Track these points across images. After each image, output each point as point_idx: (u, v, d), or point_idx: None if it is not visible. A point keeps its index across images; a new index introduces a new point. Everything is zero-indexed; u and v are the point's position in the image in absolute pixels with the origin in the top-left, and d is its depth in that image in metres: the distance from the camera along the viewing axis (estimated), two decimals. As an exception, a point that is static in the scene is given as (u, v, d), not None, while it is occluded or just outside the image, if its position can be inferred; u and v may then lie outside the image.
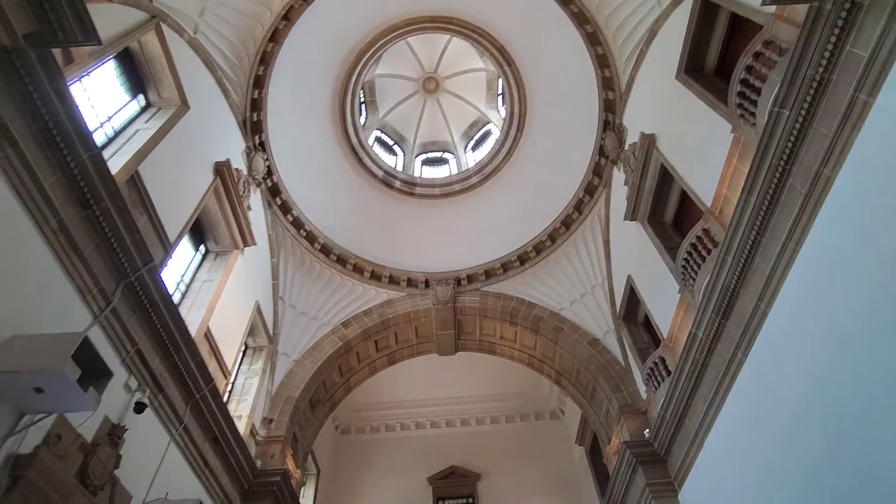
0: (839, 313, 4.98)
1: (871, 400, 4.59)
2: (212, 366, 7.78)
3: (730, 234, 6.35)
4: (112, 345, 5.66)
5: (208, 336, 7.92)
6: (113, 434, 5.53)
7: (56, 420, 4.76)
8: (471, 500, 14.25)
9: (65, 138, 4.97)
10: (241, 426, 8.84)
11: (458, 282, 12.34)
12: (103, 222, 5.48)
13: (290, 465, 9.80)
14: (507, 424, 15.88)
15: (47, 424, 4.64)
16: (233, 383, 9.56)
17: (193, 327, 7.33)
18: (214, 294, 8.17)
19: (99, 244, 5.50)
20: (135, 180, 6.37)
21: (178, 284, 8.07)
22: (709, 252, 7.17)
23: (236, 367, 9.45)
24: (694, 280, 7.53)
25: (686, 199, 8.40)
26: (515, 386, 15.93)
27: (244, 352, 10.14)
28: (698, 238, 7.31)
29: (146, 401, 5.87)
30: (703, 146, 7.28)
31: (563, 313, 11.69)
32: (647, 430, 9.19)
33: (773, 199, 5.67)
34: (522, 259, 12.17)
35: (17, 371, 4.04)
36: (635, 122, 9.35)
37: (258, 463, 8.93)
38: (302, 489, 12.66)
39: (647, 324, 10.44)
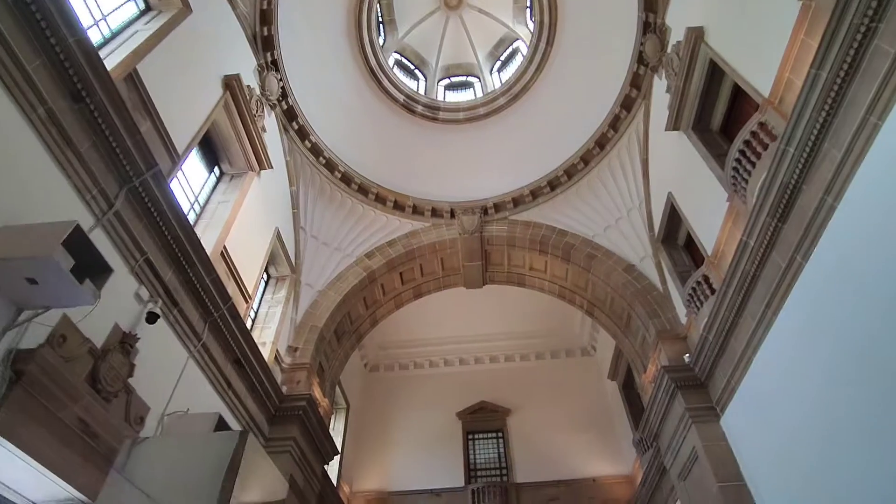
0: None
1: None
2: (230, 287, 7.53)
3: (793, 120, 5.57)
4: (118, 251, 5.37)
5: (225, 256, 7.63)
6: (125, 342, 5.29)
7: (60, 321, 4.51)
8: (500, 435, 14.16)
9: (46, 17, 4.51)
10: (266, 352, 8.69)
11: (485, 211, 11.78)
12: (99, 119, 5.09)
13: (317, 392, 9.70)
14: (536, 361, 15.59)
15: (50, 323, 4.39)
16: (256, 311, 9.40)
17: (209, 246, 7.03)
18: (230, 214, 7.84)
19: (97, 143, 5.12)
20: (134, 80, 5.93)
21: (193, 205, 7.75)
22: (765, 148, 6.39)
23: (259, 294, 9.25)
24: (746, 183, 6.78)
25: (737, 98, 7.55)
26: (546, 322, 15.54)
27: (267, 281, 9.94)
28: (753, 134, 6.52)
29: (158, 311, 5.61)
30: (760, 26, 6.37)
31: (597, 240, 11.06)
32: (688, 355, 8.67)
33: (851, 67, 4.85)
34: (553, 185, 11.48)
35: (5, 258, 3.75)
36: (680, 19, 8.37)
37: (284, 389, 8.81)
38: (332, 420, 12.75)
39: (689, 245, 9.77)
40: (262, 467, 5.19)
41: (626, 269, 10.50)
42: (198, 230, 7.10)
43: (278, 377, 9.00)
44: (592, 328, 14.92)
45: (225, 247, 7.56)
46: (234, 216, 7.87)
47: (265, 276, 9.94)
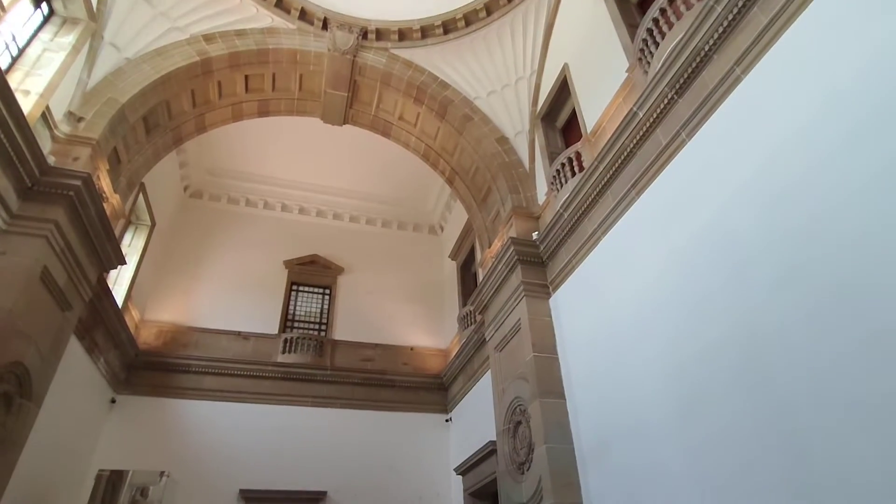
0: (837, 73, 3.86)
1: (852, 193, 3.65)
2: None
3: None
4: None
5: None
6: None
7: None
8: (328, 292, 13.36)
9: None
10: (27, 103, 6.38)
11: (365, 34, 9.98)
12: None
13: (105, 182, 7.67)
14: (381, 229, 14.77)
15: None
16: (20, 49, 6.82)
17: None
18: None
19: None
20: None
21: None
22: (689, 7, 5.75)
23: (20, 22, 6.65)
24: (656, 48, 6.16)
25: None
26: (401, 191, 14.64)
27: (48, 17, 7.24)
28: (677, -7, 5.80)
29: None
30: None
31: (478, 103, 10.09)
32: (536, 233, 8.40)
33: None
34: (447, 27, 10.02)
35: None
36: None
37: (52, 160, 6.68)
38: (124, 228, 10.69)
39: (567, 128, 9.31)
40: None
41: (500, 140, 9.79)
42: None
43: (46, 145, 6.79)
44: (445, 208, 14.42)
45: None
46: None
47: (47, 9, 7.24)
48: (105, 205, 7.61)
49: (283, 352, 11.74)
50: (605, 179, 6.76)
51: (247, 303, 12.37)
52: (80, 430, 9.09)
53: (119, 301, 10.05)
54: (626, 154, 6.41)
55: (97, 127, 7.37)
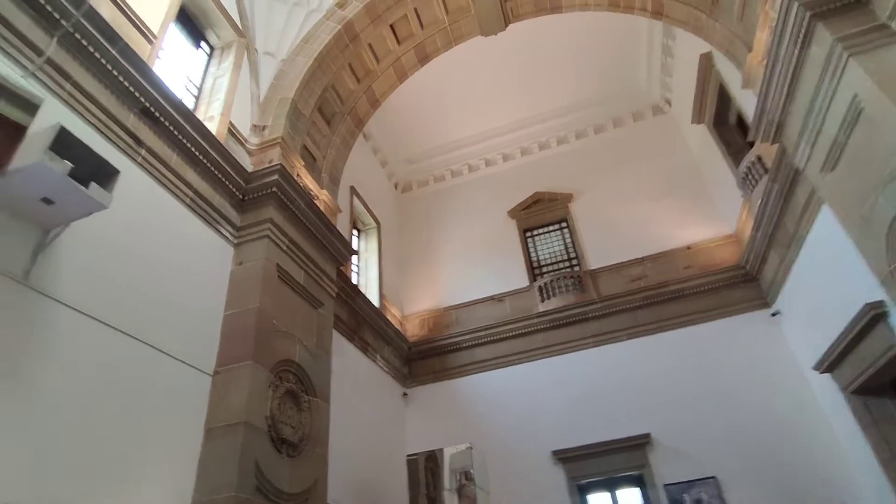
0: None
1: None
2: (108, 12, 5.09)
3: None
4: None
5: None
6: None
7: None
8: (564, 225, 11.79)
9: None
10: (213, 126, 6.50)
11: None
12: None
13: (308, 180, 7.59)
14: (597, 136, 12.60)
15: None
16: (199, 87, 7.11)
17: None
18: None
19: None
20: None
21: None
22: None
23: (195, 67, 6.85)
24: None
25: None
26: (603, 84, 12.28)
27: (210, 54, 7.51)
28: None
29: None
30: None
31: None
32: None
33: None
34: None
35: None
36: None
37: (251, 170, 6.71)
38: (355, 236, 10.94)
39: None
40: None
41: (705, -81, 6.95)
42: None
43: (245, 161, 6.88)
44: (663, 73, 11.49)
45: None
46: None
47: (208, 48, 7.53)
48: (316, 202, 7.53)
49: (542, 300, 10.55)
50: None
51: (488, 266, 11.63)
52: (383, 423, 9.32)
53: (375, 302, 10.23)
54: None
55: (278, 127, 7.31)
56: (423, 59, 9.54)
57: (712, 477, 8.11)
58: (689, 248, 10.14)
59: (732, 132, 9.55)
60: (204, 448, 4.80)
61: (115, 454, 4.07)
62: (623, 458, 8.75)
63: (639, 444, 8.72)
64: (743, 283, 9.29)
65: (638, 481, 8.69)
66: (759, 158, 7.93)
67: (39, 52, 4.28)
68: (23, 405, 3.52)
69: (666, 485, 8.30)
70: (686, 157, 11.19)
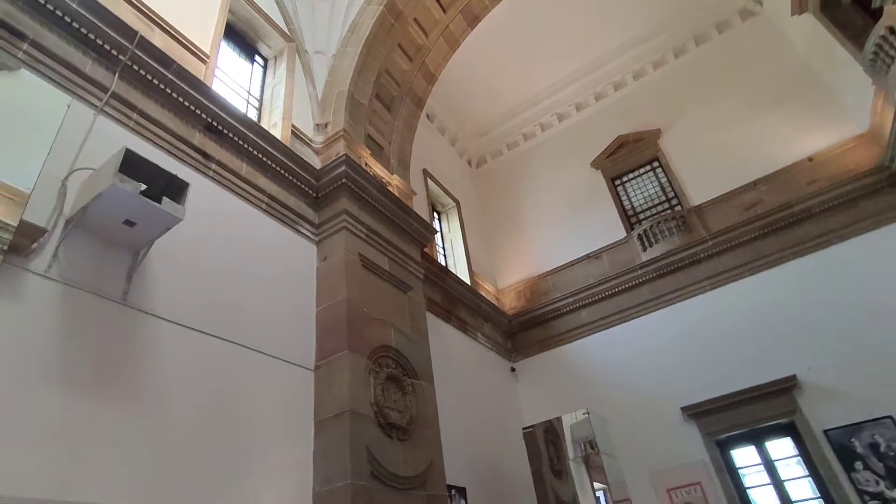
0: None
1: None
2: (160, 41, 5.31)
3: None
4: None
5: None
6: None
7: None
8: (656, 164, 10.79)
9: None
10: (278, 131, 6.63)
11: None
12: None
13: (377, 168, 7.55)
14: (678, 61, 11.34)
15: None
16: (260, 98, 7.30)
17: None
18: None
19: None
20: None
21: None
22: None
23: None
24: None
25: None
26: (670, 3, 11.04)
27: (265, 67, 7.70)
28: None
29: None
30: None
31: None
32: None
33: None
34: None
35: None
36: None
37: (319, 167, 6.78)
38: (436, 218, 10.81)
39: None
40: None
41: None
42: None
43: (314, 161, 6.96)
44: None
45: None
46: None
47: (262, 60, 7.71)
48: (390, 188, 7.48)
49: (644, 249, 9.75)
50: None
51: (579, 224, 10.99)
52: (494, 399, 9.17)
53: (466, 280, 10.06)
54: None
55: (339, 121, 7.33)
56: (473, 21, 9.13)
57: (888, 416, 6.97)
58: (810, 159, 8.79)
59: (846, 12, 8.05)
60: (316, 440, 4.91)
61: (236, 455, 4.24)
62: (765, 406, 7.83)
63: (784, 389, 7.74)
64: (888, 187, 7.87)
65: (788, 430, 7.75)
66: (892, 29, 6.58)
67: (104, 89, 4.53)
68: (144, 419, 3.74)
69: (826, 430, 7.30)
70: (791, 59, 9.67)
